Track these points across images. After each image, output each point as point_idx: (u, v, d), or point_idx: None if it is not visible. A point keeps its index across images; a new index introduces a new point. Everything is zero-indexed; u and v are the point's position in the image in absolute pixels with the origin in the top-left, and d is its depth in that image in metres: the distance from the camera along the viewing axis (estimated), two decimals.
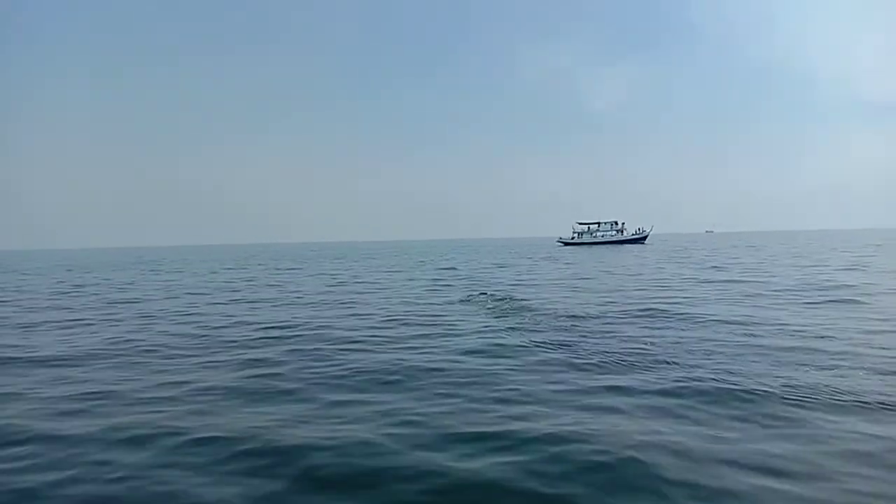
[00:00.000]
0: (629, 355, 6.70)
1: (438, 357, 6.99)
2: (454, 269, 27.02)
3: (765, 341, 7.37)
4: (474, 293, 14.45)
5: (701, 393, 5.10)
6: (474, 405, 4.98)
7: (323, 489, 3.48)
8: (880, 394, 4.96)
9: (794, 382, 5.33)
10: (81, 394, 5.66)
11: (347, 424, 4.53)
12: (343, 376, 6.13)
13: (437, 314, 10.91)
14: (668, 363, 6.28)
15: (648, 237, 66.02)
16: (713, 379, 5.53)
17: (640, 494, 3.28)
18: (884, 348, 6.82)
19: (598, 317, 9.88)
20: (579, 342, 7.61)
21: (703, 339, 7.59)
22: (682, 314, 9.94)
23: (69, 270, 34.34)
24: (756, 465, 3.61)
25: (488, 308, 11.58)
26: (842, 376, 5.56)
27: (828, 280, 15.78)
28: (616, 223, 65.27)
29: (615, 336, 7.99)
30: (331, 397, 5.34)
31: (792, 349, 6.85)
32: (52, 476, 3.71)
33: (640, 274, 20.49)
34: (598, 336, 8.03)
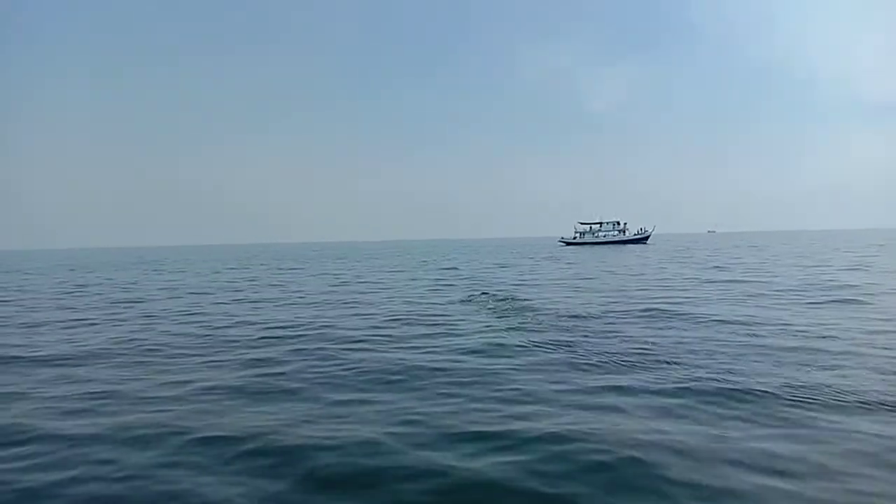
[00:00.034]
0: (631, 355, 6.70)
1: (441, 357, 7.01)
2: (456, 268, 27.03)
3: (767, 341, 7.37)
4: (476, 293, 14.46)
5: (703, 393, 5.10)
6: (476, 405, 4.99)
7: (326, 489, 3.50)
8: (883, 394, 4.95)
9: (796, 382, 5.33)
10: (85, 393, 5.69)
11: (350, 424, 4.55)
12: (346, 376, 6.15)
13: (439, 314, 10.92)
14: (669, 363, 6.28)
15: (650, 237, 65.95)
16: (715, 379, 5.53)
17: (641, 494, 3.28)
18: (886, 348, 6.81)
19: (599, 317, 9.88)
20: (581, 342, 7.61)
21: (706, 339, 7.59)
22: (684, 314, 9.93)
23: (72, 270, 34.45)
24: (758, 464, 3.61)
25: (490, 308, 11.59)
26: (844, 376, 5.56)
27: (830, 280, 15.75)
28: (618, 223, 65.21)
29: (617, 336, 7.99)
30: (334, 397, 5.36)
31: (794, 349, 6.85)
32: (56, 475, 3.73)
33: (643, 274, 20.47)
34: (599, 336, 8.03)
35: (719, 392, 5.11)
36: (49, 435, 4.46)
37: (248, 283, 21.32)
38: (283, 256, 54.62)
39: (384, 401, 5.19)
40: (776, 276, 17.49)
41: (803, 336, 7.69)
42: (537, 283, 17.95)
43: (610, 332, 8.36)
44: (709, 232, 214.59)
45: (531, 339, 7.88)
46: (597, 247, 59.74)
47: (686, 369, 5.97)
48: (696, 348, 7.02)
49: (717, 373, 5.77)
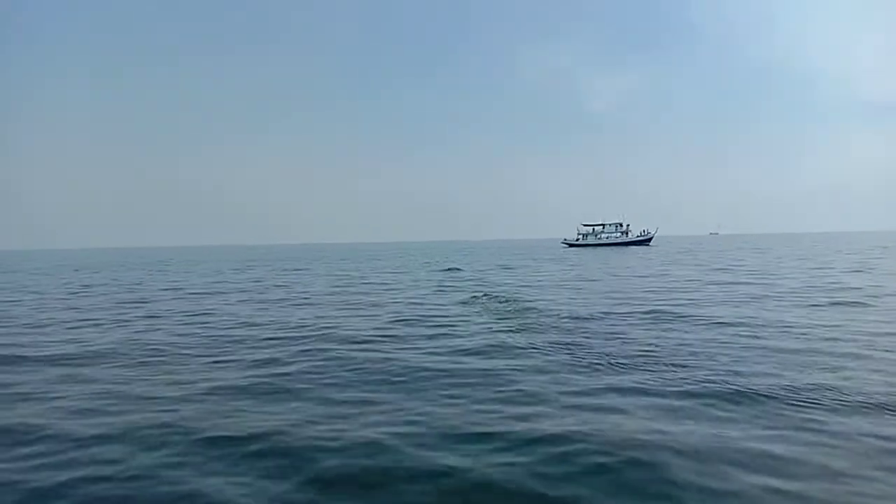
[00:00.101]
0: (633, 357, 6.72)
1: (444, 358, 7.04)
2: (459, 269, 27.06)
3: (769, 343, 7.38)
4: (479, 294, 14.48)
5: (705, 394, 5.12)
6: (479, 406, 5.02)
7: (331, 489, 3.53)
8: (885, 395, 4.96)
9: (798, 384, 5.34)
10: (91, 393, 5.74)
11: (355, 425, 4.58)
12: (350, 377, 6.18)
13: (443, 315, 10.96)
14: (672, 365, 6.29)
15: (653, 239, 65.88)
16: (718, 380, 5.54)
17: (644, 496, 3.30)
18: (888, 351, 6.81)
19: (602, 318, 9.89)
20: (584, 343, 7.63)
21: (708, 341, 7.60)
22: (686, 316, 9.94)
23: (76, 270, 34.58)
24: (760, 466, 3.63)
25: (493, 309, 11.61)
26: (846, 378, 5.56)
27: (833, 282, 15.73)
28: (620, 225, 65.17)
29: (619, 338, 8.00)
30: (338, 397, 5.40)
31: (797, 351, 6.86)
32: (64, 475, 3.76)
33: (645, 276, 20.46)
34: (602, 338, 8.05)
35: (721, 393, 5.12)
36: (56, 435, 4.50)
37: (253, 283, 21.39)
38: (286, 257, 54.73)
39: (388, 401, 5.22)
40: (779, 279, 17.46)
41: (805, 338, 7.69)
42: (540, 284, 17.96)
43: (612, 333, 8.37)
44: (711, 234, 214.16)
45: (534, 341, 7.90)
46: (599, 248, 59.71)
47: (688, 371, 5.99)
48: (699, 350, 7.03)
49: (720, 374, 5.78)
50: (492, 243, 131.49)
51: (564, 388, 5.47)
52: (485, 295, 14.31)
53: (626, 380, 5.72)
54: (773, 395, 5.04)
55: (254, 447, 4.12)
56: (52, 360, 7.47)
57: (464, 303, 13.05)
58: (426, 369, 6.41)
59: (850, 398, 4.91)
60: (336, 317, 11.15)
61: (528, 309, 11.33)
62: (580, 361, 6.58)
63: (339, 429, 4.47)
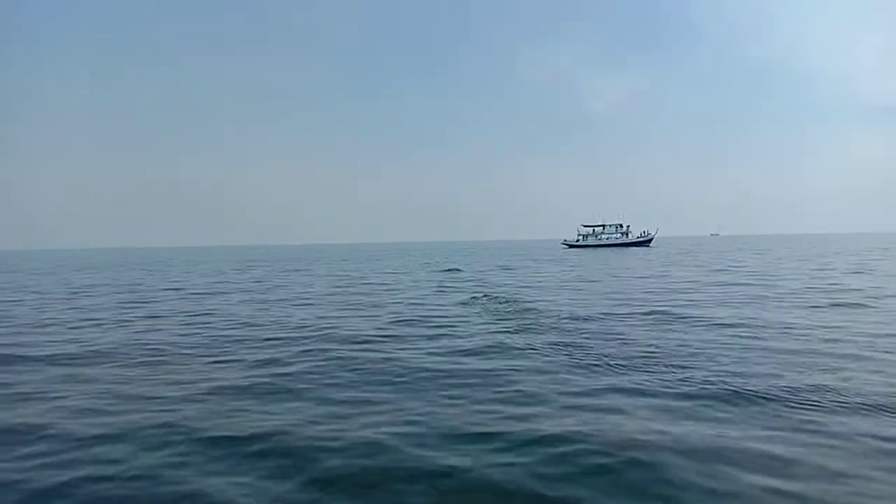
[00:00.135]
0: (633, 357, 6.73)
1: (444, 358, 7.05)
2: (459, 270, 27.08)
3: (770, 344, 7.39)
4: (479, 295, 14.50)
5: (705, 395, 5.13)
6: (479, 406, 5.03)
7: (332, 489, 3.54)
8: (885, 396, 4.97)
9: (798, 385, 5.35)
10: (94, 393, 5.75)
11: (355, 425, 4.59)
12: (351, 377, 6.20)
13: (443, 315, 10.97)
14: (672, 365, 6.30)
15: (653, 240, 65.90)
16: (717, 381, 5.55)
17: (644, 496, 3.31)
18: (888, 352, 6.82)
19: (602, 319, 9.91)
20: (584, 344, 7.64)
21: (708, 342, 7.61)
22: (686, 317, 9.95)
23: (77, 271, 34.61)
24: (761, 466, 3.64)
25: (493, 310, 11.62)
26: (846, 379, 5.57)
27: (834, 284, 15.74)
28: (621, 226, 65.23)
29: (620, 338, 8.02)
30: (339, 397, 5.41)
31: (797, 352, 6.87)
32: (65, 475, 3.77)
33: (645, 277, 20.47)
34: (602, 338, 8.06)
35: (721, 394, 5.13)
36: (57, 434, 4.51)
37: (254, 283, 21.41)
38: (286, 258, 54.75)
39: (388, 402, 5.24)
40: (779, 280, 17.47)
41: (805, 339, 7.70)
42: (540, 285, 17.97)
43: (612, 334, 8.38)
44: (712, 235, 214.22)
45: (534, 342, 7.91)
46: (600, 249, 59.72)
47: (688, 372, 6.00)
48: (699, 351, 7.05)
49: (720, 375, 5.79)
50: (492, 244, 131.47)
51: (564, 389, 5.49)
52: (485, 296, 14.32)
53: (626, 380, 5.73)
54: (773, 396, 5.05)
55: (255, 447, 4.13)
56: (53, 360, 7.48)
57: (464, 303, 13.06)
58: (426, 370, 6.43)
59: (849, 399, 4.92)
60: (337, 317, 11.16)
61: (528, 310, 11.34)
62: (580, 362, 6.59)
63: (340, 429, 4.48)
